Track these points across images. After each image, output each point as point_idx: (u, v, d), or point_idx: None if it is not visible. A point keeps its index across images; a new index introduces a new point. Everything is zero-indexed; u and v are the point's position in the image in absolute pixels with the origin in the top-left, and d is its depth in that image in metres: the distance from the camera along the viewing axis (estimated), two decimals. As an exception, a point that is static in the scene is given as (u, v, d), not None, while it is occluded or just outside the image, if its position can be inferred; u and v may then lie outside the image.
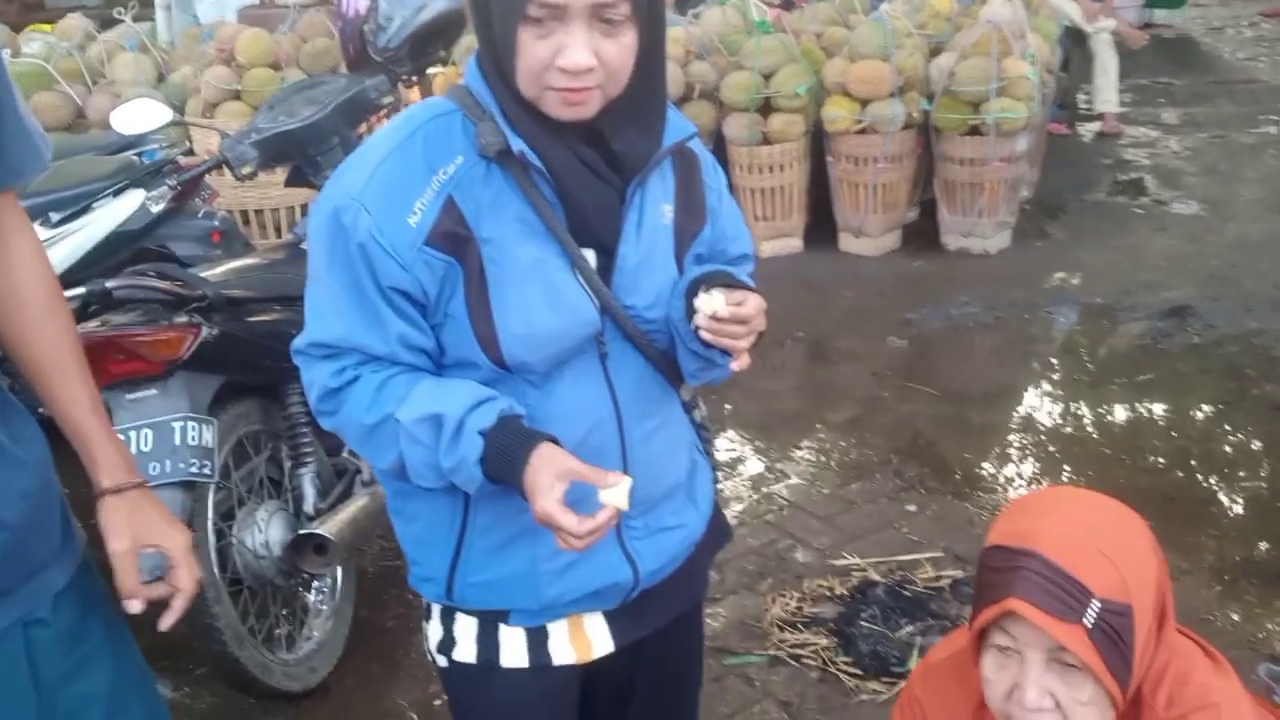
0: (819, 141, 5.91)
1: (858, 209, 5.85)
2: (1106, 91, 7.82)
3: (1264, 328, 4.71)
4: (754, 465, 3.90)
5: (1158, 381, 4.37)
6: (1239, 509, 3.48)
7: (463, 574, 1.53)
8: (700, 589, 1.78)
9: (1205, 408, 4.17)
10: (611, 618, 1.60)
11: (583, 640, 1.59)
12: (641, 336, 1.50)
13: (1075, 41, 7.78)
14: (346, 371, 1.42)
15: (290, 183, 3.18)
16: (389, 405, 1.39)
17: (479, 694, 1.62)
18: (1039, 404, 4.34)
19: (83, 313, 2.56)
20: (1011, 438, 4.04)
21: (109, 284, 2.53)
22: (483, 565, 1.51)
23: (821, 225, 6.07)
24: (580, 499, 1.35)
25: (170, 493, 2.43)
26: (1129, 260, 5.64)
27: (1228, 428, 4.00)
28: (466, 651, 1.58)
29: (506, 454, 1.35)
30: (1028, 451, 3.93)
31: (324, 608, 2.95)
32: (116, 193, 3.66)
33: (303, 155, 3.03)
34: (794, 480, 3.77)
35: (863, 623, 2.91)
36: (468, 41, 4.36)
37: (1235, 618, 2.91)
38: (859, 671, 2.76)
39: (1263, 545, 3.25)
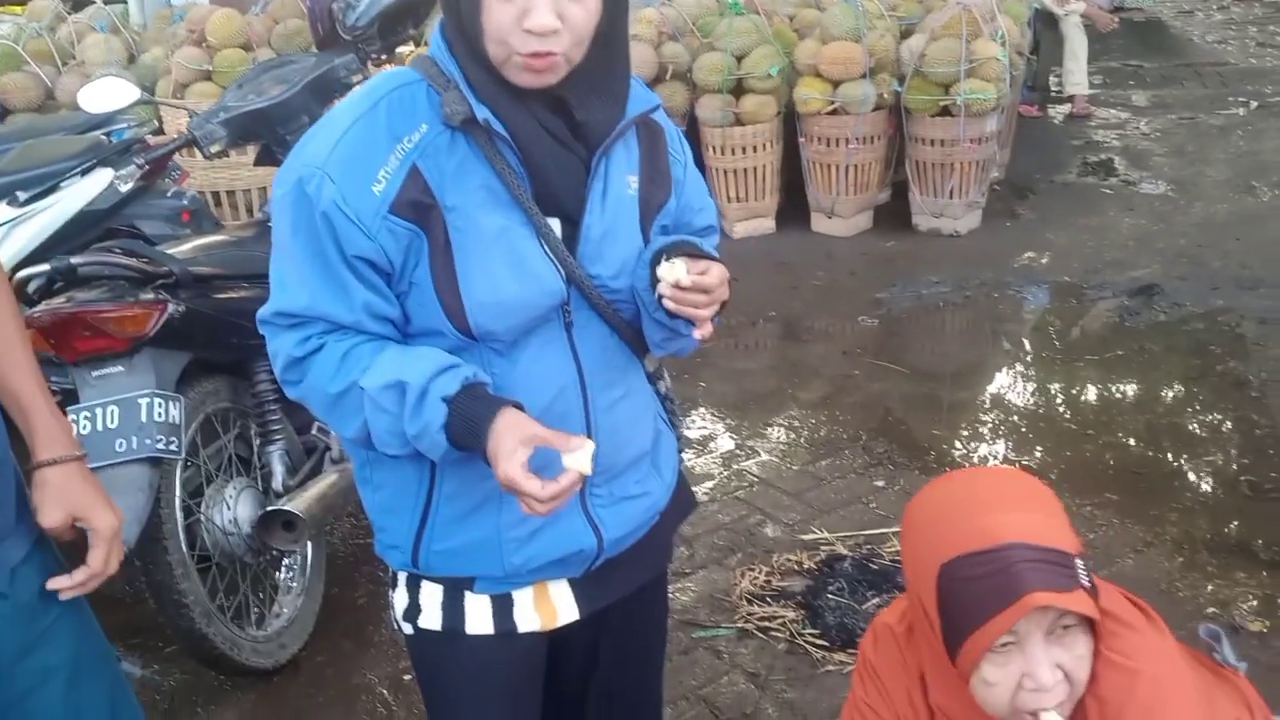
0: (791, 123, 5.94)
1: (830, 190, 5.88)
2: (1077, 74, 7.88)
3: (1229, 306, 4.77)
4: (725, 443, 3.93)
5: (1125, 359, 4.42)
6: (1202, 483, 3.53)
7: (428, 541, 1.53)
8: (664, 559, 1.80)
9: (1171, 384, 4.22)
10: (576, 585, 1.61)
11: (548, 607, 1.60)
12: (606, 306, 1.51)
13: (1046, 24, 7.83)
14: (311, 340, 1.42)
15: (260, 162, 3.17)
16: (353, 373, 1.39)
17: (444, 661, 1.63)
18: (1007, 381, 4.38)
19: (48, 289, 2.55)
20: (980, 414, 4.08)
21: (74, 260, 2.52)
22: (448, 533, 1.52)
23: (794, 206, 6.10)
24: (545, 465, 1.36)
25: (137, 469, 2.43)
26: (1097, 240, 5.69)
27: (1193, 404, 4.06)
28: (432, 619, 1.59)
29: (470, 420, 1.35)
30: (995, 428, 3.97)
31: (294, 585, 2.95)
32: (84, 172, 3.62)
33: (272, 134, 3.03)
34: (764, 457, 3.80)
35: (830, 596, 2.95)
36: (437, 20, 4.34)
37: (1195, 589, 2.96)
38: (826, 643, 2.79)
39: (1224, 518, 3.30)
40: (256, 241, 2.95)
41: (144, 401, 2.46)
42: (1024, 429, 3.95)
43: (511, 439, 1.33)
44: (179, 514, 2.57)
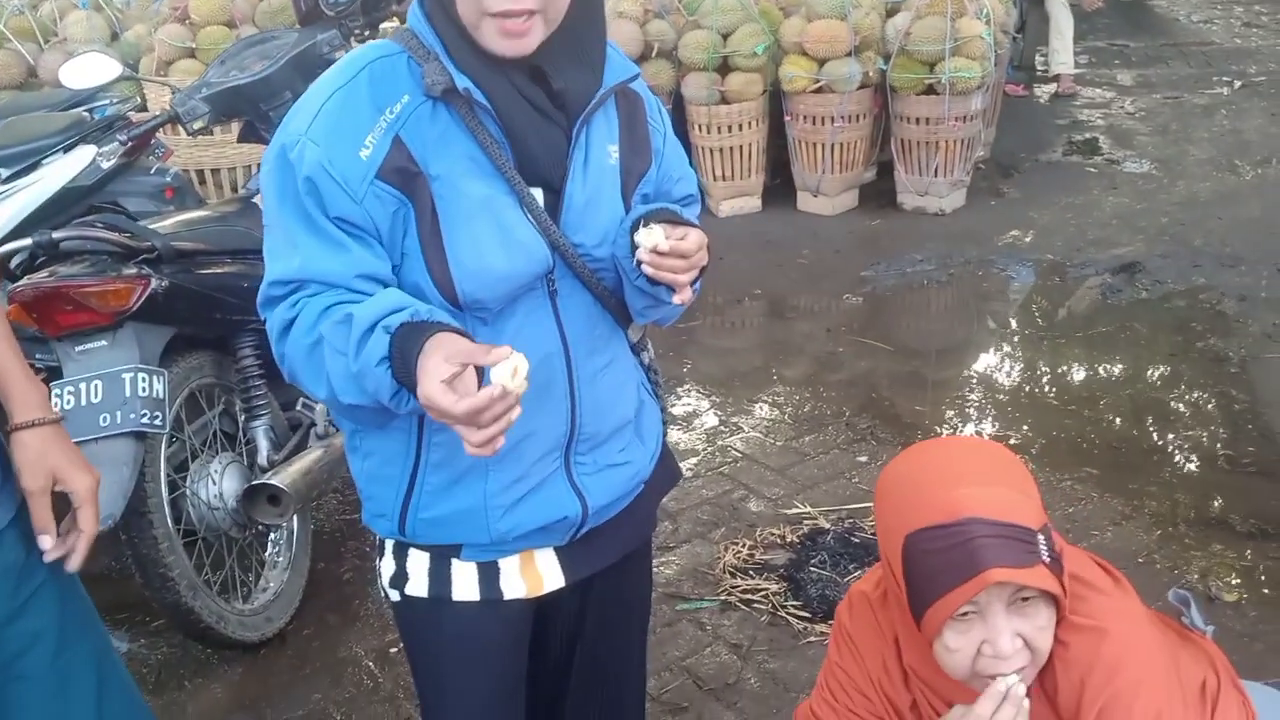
0: (777, 101, 5.93)
1: (815, 168, 5.89)
2: (1062, 53, 7.88)
3: (1210, 283, 4.80)
4: (710, 419, 3.95)
5: (1107, 335, 4.45)
6: (1181, 458, 3.56)
7: (415, 509, 1.54)
8: (648, 528, 1.81)
9: (1152, 361, 4.26)
10: (562, 554, 1.63)
11: (534, 574, 1.62)
12: (590, 275, 1.52)
13: (1032, 3, 7.82)
14: (300, 303, 1.40)
15: (243, 139, 3.17)
16: (323, 325, 1.37)
17: (431, 627, 1.65)
18: (990, 358, 4.41)
19: (30, 264, 2.55)
20: (963, 391, 4.10)
21: (56, 235, 2.52)
22: (435, 501, 1.53)
23: (780, 185, 6.11)
24: (522, 438, 1.36)
25: (121, 443, 2.44)
26: (1081, 218, 5.72)
27: (1173, 380, 4.10)
28: (419, 586, 1.60)
29: (405, 352, 1.29)
30: (978, 404, 4.00)
31: (280, 559, 2.97)
32: (67, 148, 3.62)
33: (254, 110, 3.02)
34: (748, 433, 3.82)
35: (812, 569, 2.97)
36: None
37: (1173, 560, 2.99)
38: (807, 615, 2.82)
39: (1202, 492, 3.34)
40: (240, 217, 2.95)
41: (128, 376, 2.46)
42: (1006, 405, 3.98)
43: (436, 358, 1.25)
44: (164, 488, 2.58)
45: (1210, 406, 3.88)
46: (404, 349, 1.29)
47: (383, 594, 1.67)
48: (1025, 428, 3.79)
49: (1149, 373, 4.19)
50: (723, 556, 3.09)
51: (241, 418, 2.88)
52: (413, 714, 2.59)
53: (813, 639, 2.75)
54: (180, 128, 2.97)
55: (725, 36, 5.72)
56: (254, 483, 2.70)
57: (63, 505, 1.52)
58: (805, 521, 3.23)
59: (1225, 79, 8.20)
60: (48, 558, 1.50)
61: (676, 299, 1.48)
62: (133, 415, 2.44)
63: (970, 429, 3.82)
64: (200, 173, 5.60)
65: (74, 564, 1.52)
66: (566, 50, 1.43)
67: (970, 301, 4.93)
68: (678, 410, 3.99)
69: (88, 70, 3.27)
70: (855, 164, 5.94)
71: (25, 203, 3.48)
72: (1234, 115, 7.35)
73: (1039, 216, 5.76)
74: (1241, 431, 3.65)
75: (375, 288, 1.40)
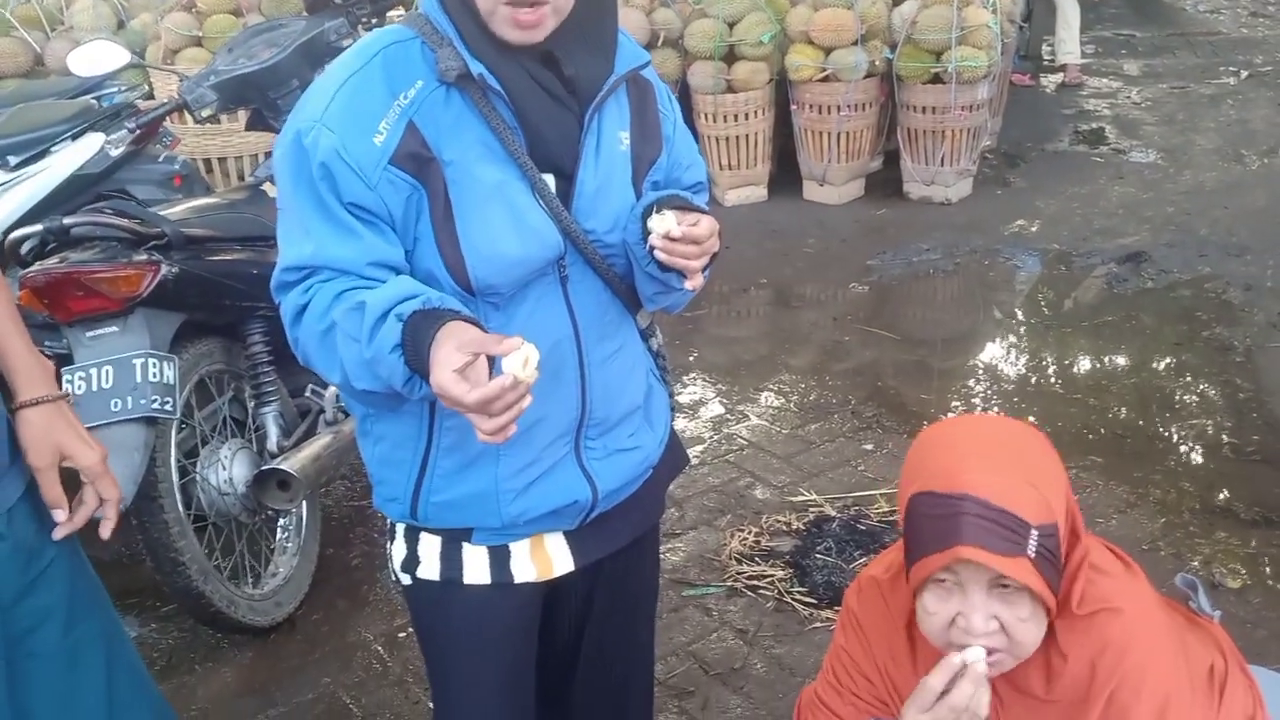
0: (783, 90, 5.93)
1: (821, 157, 5.89)
2: (1069, 43, 7.87)
3: (1216, 272, 4.81)
4: (716, 407, 3.96)
5: (1113, 325, 4.45)
6: (1186, 446, 3.57)
7: (427, 493, 1.56)
8: (656, 513, 1.82)
9: (1157, 350, 4.26)
10: (571, 537, 1.64)
11: (543, 558, 1.63)
12: (600, 261, 1.53)
13: (1039, -7, 7.82)
14: (313, 288, 1.41)
15: (251, 126, 3.17)
16: (336, 311, 1.38)
17: (442, 611, 1.66)
18: (996, 347, 4.42)
19: (41, 250, 2.57)
20: (968, 380, 4.11)
21: (67, 221, 2.54)
22: (446, 484, 1.54)
23: (786, 174, 6.11)
24: (534, 423, 1.37)
25: (132, 428, 2.45)
26: (1087, 208, 5.71)
27: (1178, 369, 4.10)
28: (430, 569, 1.62)
29: (418, 339, 1.30)
30: (984, 393, 4.01)
31: (289, 545, 2.99)
32: (75, 136, 3.63)
33: (262, 98, 3.03)
34: (755, 421, 3.83)
35: (818, 555, 2.99)
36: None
37: (1177, 547, 3.01)
38: (813, 601, 2.83)
39: (1206, 480, 3.35)
40: (248, 204, 2.97)
41: (138, 362, 2.48)
42: (1012, 393, 3.99)
43: (447, 347, 1.27)
44: (174, 474, 2.60)
45: (1215, 395, 3.88)
46: (416, 337, 1.30)
47: (393, 578, 1.68)
48: (1031, 416, 3.79)
49: (1154, 362, 4.19)
50: (729, 543, 3.10)
51: (251, 404, 2.90)
52: (421, 697, 2.61)
53: (818, 625, 2.76)
54: (188, 116, 2.98)
55: (731, 25, 5.71)
56: (264, 468, 2.71)
57: (73, 484, 1.54)
58: (811, 509, 3.24)
59: (1232, 69, 8.19)
60: (57, 534, 1.52)
61: (688, 284, 1.49)
62: (143, 401, 2.45)
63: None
64: (207, 161, 5.61)
65: (106, 531, 1.55)
66: (579, 37, 1.44)
67: (976, 291, 4.94)
68: (684, 398, 4.00)
69: (96, 58, 3.28)
70: (861, 153, 5.94)
71: (34, 190, 3.50)
72: (1240, 105, 7.34)
73: (1045, 206, 5.76)
74: (1246, 420, 3.66)
75: (387, 275, 1.41)
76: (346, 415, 2.91)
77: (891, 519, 3.14)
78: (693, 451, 3.59)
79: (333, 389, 2.91)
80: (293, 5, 5.72)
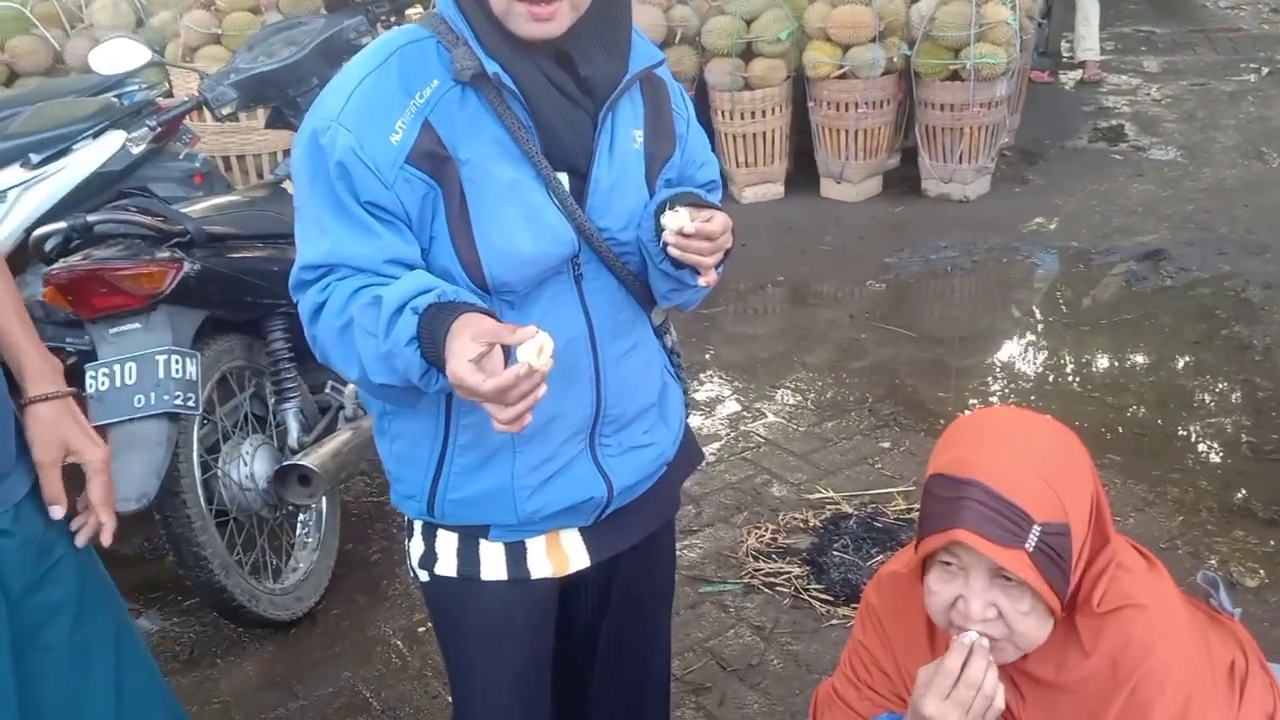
0: (801, 87, 5.93)
1: (839, 154, 5.88)
2: (1088, 39, 7.84)
3: (1235, 270, 4.78)
4: (733, 405, 3.96)
5: (1131, 323, 4.44)
6: (1204, 445, 3.56)
7: (444, 491, 1.57)
8: (671, 508, 1.83)
9: (1176, 348, 4.25)
10: (587, 534, 1.65)
11: (559, 554, 1.64)
12: (615, 259, 1.53)
13: (1058, -12, 7.79)
14: (330, 286, 1.42)
15: (271, 124, 3.20)
16: (353, 308, 1.39)
17: (460, 607, 1.68)
18: (1014, 345, 4.41)
19: (65, 248, 2.59)
20: (986, 377, 4.11)
21: (91, 218, 2.56)
22: (463, 482, 1.56)
23: (803, 171, 6.11)
24: (545, 422, 1.39)
25: (155, 424, 2.48)
26: (1106, 205, 5.69)
27: (1197, 367, 4.09)
28: (448, 566, 1.63)
29: (433, 331, 1.31)
30: (1002, 391, 4.00)
31: (309, 540, 3.01)
32: (96, 134, 3.65)
33: (282, 96, 3.05)
34: (771, 419, 3.84)
35: (835, 552, 2.99)
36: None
37: (1195, 546, 3.00)
38: (830, 598, 2.84)
39: (1224, 479, 3.34)
40: (269, 202, 2.99)
41: (161, 358, 2.50)
42: (1029, 392, 3.99)
43: (463, 338, 1.28)
44: (197, 469, 2.63)
45: (1234, 394, 3.87)
46: (432, 329, 1.31)
47: (411, 574, 1.69)
48: (1048, 414, 3.78)
49: (1173, 360, 4.18)
50: (745, 540, 3.11)
51: (272, 400, 2.92)
52: (440, 692, 2.63)
53: (835, 622, 2.77)
54: (207, 113, 3.01)
55: (749, 22, 5.71)
56: (285, 464, 2.73)
57: (71, 485, 1.56)
58: (828, 506, 3.25)
59: (1253, 66, 8.14)
60: (80, 540, 1.53)
61: (701, 281, 1.50)
62: (166, 397, 2.48)
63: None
64: (227, 158, 5.64)
65: (106, 538, 1.56)
66: (594, 36, 1.45)
67: (994, 289, 4.93)
68: (701, 396, 4.01)
69: (117, 56, 3.30)
70: (879, 150, 5.93)
71: (56, 188, 3.52)
72: (1261, 102, 7.30)
73: (1064, 204, 5.74)
74: (1265, 419, 3.64)
75: (404, 272, 1.41)
76: (366, 411, 2.93)
77: (908, 517, 3.14)
78: (710, 449, 3.60)
79: (352, 386, 2.93)
80: (311, 3, 5.75)
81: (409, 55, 1.44)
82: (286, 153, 5.24)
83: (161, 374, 2.49)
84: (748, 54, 5.74)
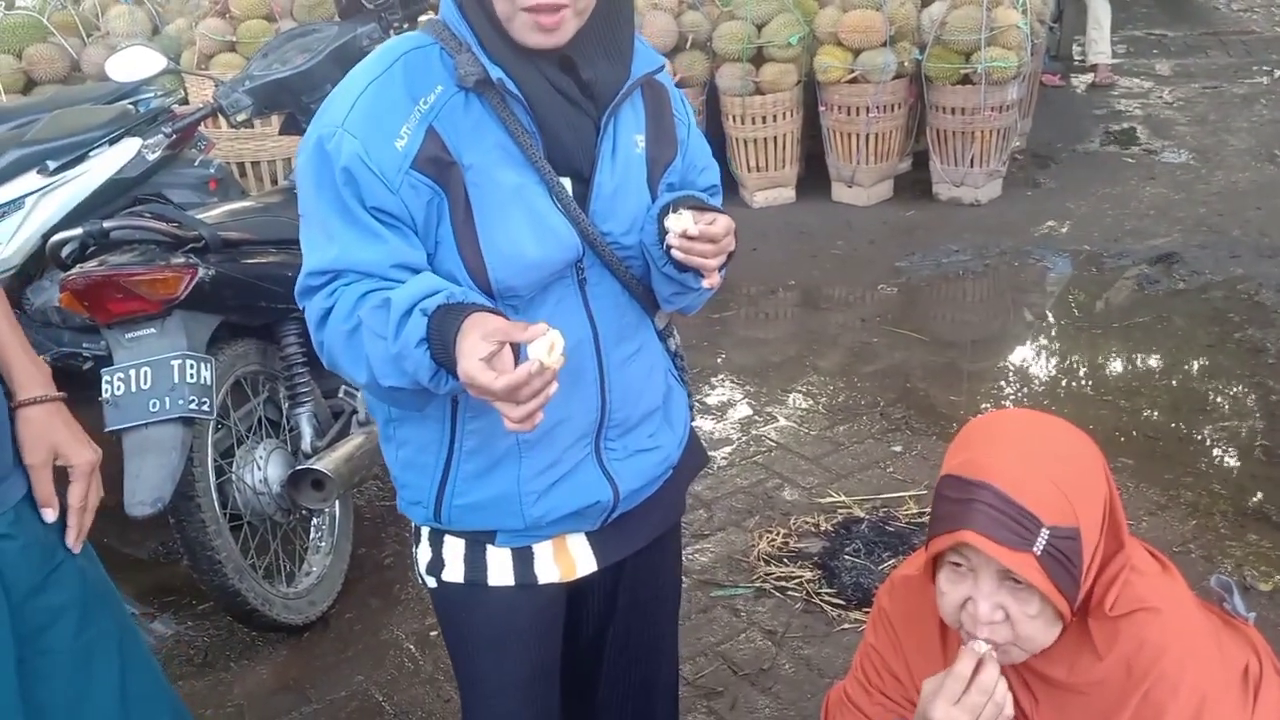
0: (812, 91, 5.93)
1: (850, 159, 5.89)
2: (1100, 43, 7.82)
3: (1248, 274, 4.77)
4: (744, 409, 3.97)
5: (1144, 326, 4.43)
6: (1217, 449, 3.55)
7: (450, 497, 1.58)
8: (677, 512, 1.84)
9: (1189, 352, 4.23)
10: (594, 538, 1.66)
11: (566, 559, 1.65)
12: (618, 263, 1.54)
13: (1069, -8, 7.78)
14: (337, 291, 1.43)
15: (285, 131, 3.22)
16: (361, 311, 1.40)
17: (467, 612, 1.69)
18: (1026, 349, 4.40)
19: (81, 253, 2.62)
20: (998, 381, 4.11)
21: (106, 224, 2.58)
22: (469, 488, 1.57)
23: (814, 175, 6.11)
24: (556, 423, 1.39)
25: (170, 429, 2.50)
26: (1118, 209, 5.68)
27: (1210, 371, 4.07)
28: (455, 572, 1.64)
29: (443, 332, 1.32)
30: (1014, 395, 4.00)
31: (323, 544, 3.03)
32: (112, 141, 3.68)
33: (296, 103, 3.07)
34: (783, 423, 3.84)
35: (846, 556, 2.99)
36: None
37: (1208, 550, 2.99)
38: (842, 602, 2.84)
39: (1238, 483, 3.33)
40: (283, 208, 3.01)
41: (176, 363, 2.52)
42: (1042, 395, 3.98)
43: (473, 337, 1.29)
44: (211, 473, 2.64)
45: (1247, 398, 3.86)
46: (441, 330, 1.32)
47: (419, 581, 1.70)
48: (1061, 418, 3.78)
49: (1186, 364, 4.17)
50: (757, 544, 3.11)
51: (285, 405, 2.94)
52: (452, 695, 2.64)
53: (847, 626, 2.77)
54: (222, 120, 3.03)
55: (760, 27, 5.72)
56: (298, 468, 2.75)
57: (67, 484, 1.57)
58: (840, 510, 3.25)
59: (1265, 68, 8.11)
60: (71, 544, 1.54)
61: (705, 283, 1.50)
62: (181, 401, 2.50)
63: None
64: (241, 165, 5.68)
65: (71, 539, 1.55)
66: (596, 41, 1.46)
67: (1006, 292, 4.92)
68: (712, 400, 4.02)
69: (133, 63, 3.33)
70: (890, 154, 5.93)
71: (72, 194, 3.55)
72: (1273, 105, 7.27)
73: (1076, 207, 5.73)
74: (1278, 423, 3.63)
75: (410, 277, 1.42)
76: (373, 418, 2.95)
77: (920, 521, 3.14)
78: (720, 453, 3.61)
79: (365, 390, 2.95)
80: (324, 10, 5.78)
81: (413, 61, 1.45)
82: (300, 159, 5.27)
83: (176, 379, 2.51)
84: (759, 59, 5.74)
